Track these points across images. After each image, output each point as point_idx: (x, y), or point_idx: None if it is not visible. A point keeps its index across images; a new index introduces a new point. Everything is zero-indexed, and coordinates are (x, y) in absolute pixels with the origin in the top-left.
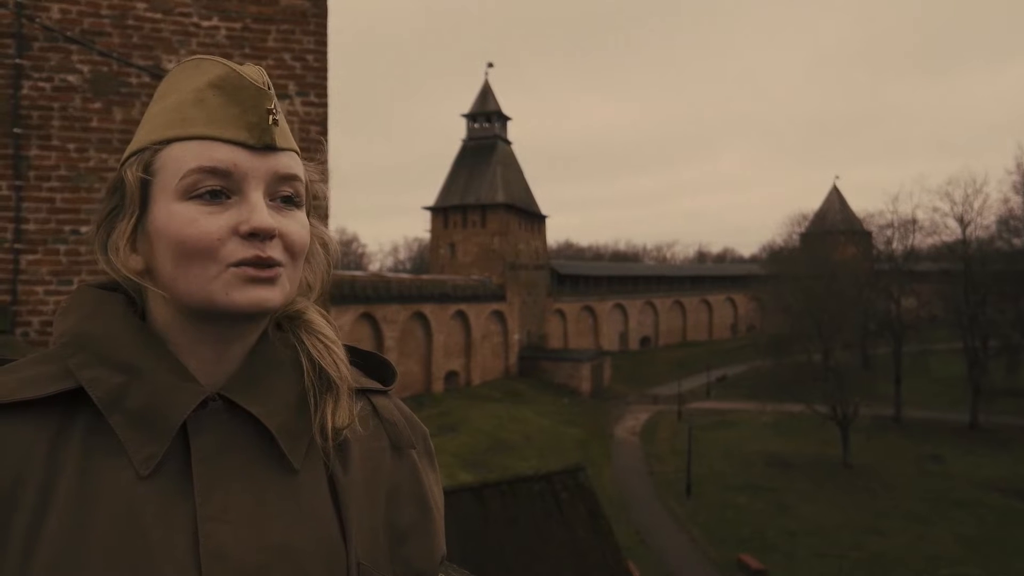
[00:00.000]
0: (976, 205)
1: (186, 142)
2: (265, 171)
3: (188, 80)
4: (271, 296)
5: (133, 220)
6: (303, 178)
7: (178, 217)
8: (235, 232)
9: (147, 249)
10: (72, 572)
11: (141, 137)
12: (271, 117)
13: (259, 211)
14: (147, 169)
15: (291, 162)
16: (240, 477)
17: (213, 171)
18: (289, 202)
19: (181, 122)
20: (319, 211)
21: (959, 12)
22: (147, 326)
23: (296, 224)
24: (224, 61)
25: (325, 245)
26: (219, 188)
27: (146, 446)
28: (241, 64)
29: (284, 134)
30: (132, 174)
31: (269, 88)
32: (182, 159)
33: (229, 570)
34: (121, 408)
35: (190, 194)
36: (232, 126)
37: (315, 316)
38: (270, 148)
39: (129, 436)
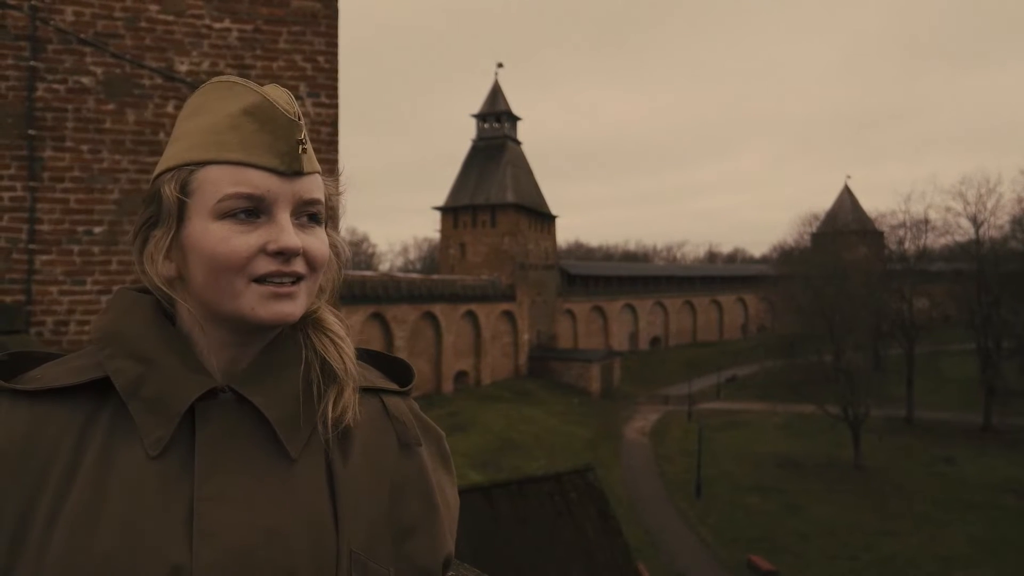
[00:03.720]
0: (989, 205)
1: (222, 165)
2: (292, 195)
3: (221, 102)
4: (292, 310)
5: (171, 234)
6: (323, 198)
7: (213, 235)
8: (263, 250)
9: (180, 258)
10: (84, 539)
11: (177, 154)
12: (300, 147)
13: (287, 232)
14: (184, 188)
15: (315, 186)
16: (240, 463)
17: (249, 196)
18: (312, 219)
19: (217, 145)
20: (333, 220)
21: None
22: (172, 325)
23: (318, 241)
24: (256, 87)
25: (336, 250)
26: (251, 209)
27: (156, 429)
28: (265, 85)
29: (310, 159)
30: (170, 191)
31: (299, 119)
32: (219, 182)
33: (218, 548)
34: (138, 395)
35: (224, 214)
36: (266, 153)
37: (326, 315)
38: (298, 174)
39: (143, 420)
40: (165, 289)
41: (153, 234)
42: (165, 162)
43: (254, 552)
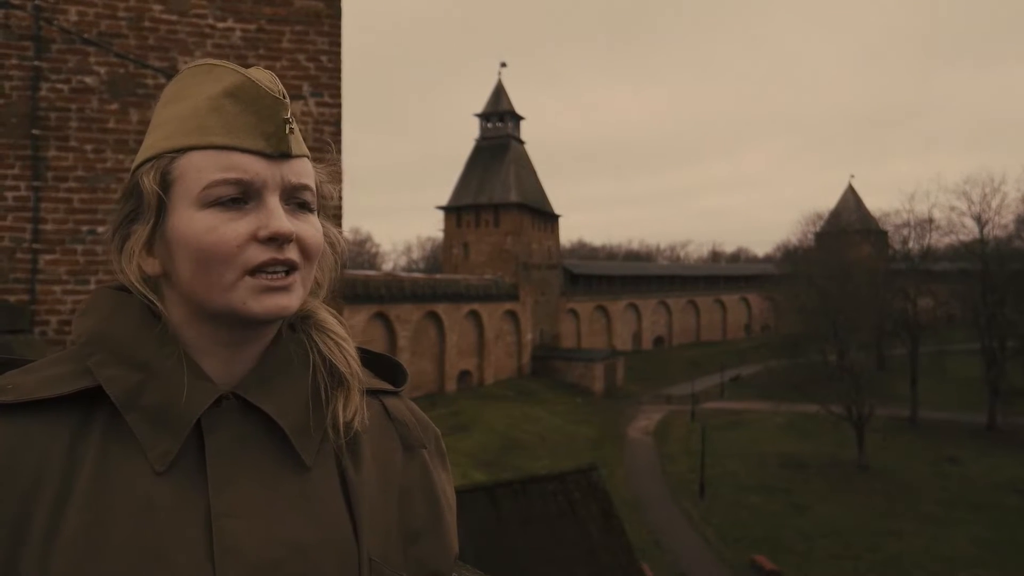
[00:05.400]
0: (994, 204)
1: (205, 151)
2: (281, 178)
3: (201, 86)
4: (287, 303)
5: (150, 227)
6: (313, 184)
7: (199, 225)
8: (254, 237)
9: (165, 253)
10: (91, 565)
11: (155, 143)
12: (287, 126)
13: (277, 216)
14: (165, 177)
15: (304, 169)
16: (253, 474)
17: (236, 182)
18: (303, 206)
19: (199, 130)
20: (327, 211)
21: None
22: (164, 327)
23: (310, 227)
24: (237, 68)
25: (333, 244)
26: (238, 195)
27: (161, 443)
28: (249, 67)
29: (298, 141)
30: (149, 182)
31: (284, 97)
32: (203, 168)
33: (242, 564)
34: (137, 406)
35: (210, 202)
36: (250, 136)
37: (326, 315)
38: (285, 156)
39: (145, 433)
40: (140, 288)
41: (133, 229)
42: (143, 153)
43: (280, 567)
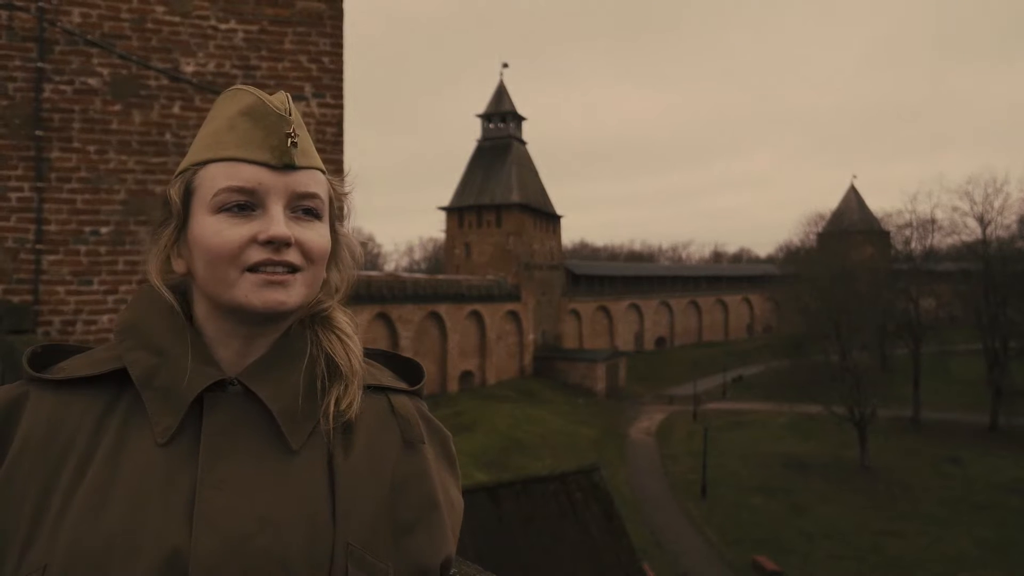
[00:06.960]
0: (996, 204)
1: (219, 163)
2: (285, 187)
3: (225, 108)
4: (284, 298)
5: (172, 231)
6: (323, 194)
7: (208, 228)
8: (255, 240)
9: (188, 255)
10: (93, 518)
11: (187, 159)
12: (290, 140)
13: (276, 222)
14: (187, 187)
15: (310, 180)
16: (243, 453)
17: (240, 189)
18: (310, 213)
19: (216, 145)
20: (341, 219)
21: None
22: (187, 319)
23: (313, 233)
24: (255, 91)
25: (352, 251)
26: (245, 202)
27: (165, 418)
28: (273, 93)
29: (305, 154)
30: (175, 192)
31: (290, 114)
32: (215, 178)
33: (216, 533)
34: (151, 386)
35: (221, 208)
36: (257, 148)
37: (336, 314)
38: (290, 167)
39: (154, 409)
40: (159, 284)
41: (162, 233)
42: (179, 168)
43: (250, 540)
